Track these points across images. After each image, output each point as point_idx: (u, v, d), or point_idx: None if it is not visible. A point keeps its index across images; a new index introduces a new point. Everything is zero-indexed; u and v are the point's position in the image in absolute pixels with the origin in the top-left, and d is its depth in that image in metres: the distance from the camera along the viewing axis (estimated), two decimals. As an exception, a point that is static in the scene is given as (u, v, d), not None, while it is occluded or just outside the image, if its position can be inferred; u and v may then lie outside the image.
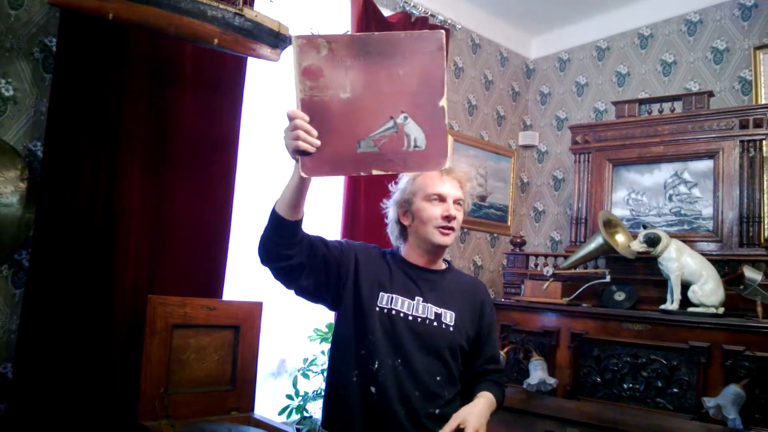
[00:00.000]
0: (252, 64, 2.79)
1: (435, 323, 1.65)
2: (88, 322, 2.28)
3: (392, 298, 1.64)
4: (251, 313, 2.53)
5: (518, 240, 3.57)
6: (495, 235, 4.25)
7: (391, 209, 1.77)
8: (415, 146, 1.40)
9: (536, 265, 3.70)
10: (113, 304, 2.34)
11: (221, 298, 2.63)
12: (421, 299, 1.67)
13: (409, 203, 1.70)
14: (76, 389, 2.24)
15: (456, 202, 1.69)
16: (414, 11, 3.62)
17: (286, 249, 1.50)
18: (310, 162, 1.37)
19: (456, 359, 1.67)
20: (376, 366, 1.58)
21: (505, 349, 2.89)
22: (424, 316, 1.65)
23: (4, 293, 2.27)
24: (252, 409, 2.51)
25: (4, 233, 2.23)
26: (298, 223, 1.49)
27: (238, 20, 2.25)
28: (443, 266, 1.80)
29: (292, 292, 1.64)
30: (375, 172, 1.44)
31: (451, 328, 1.66)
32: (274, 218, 1.47)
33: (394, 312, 1.62)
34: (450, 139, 3.91)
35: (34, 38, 2.36)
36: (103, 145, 2.36)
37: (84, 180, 2.32)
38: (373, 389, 1.57)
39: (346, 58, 1.37)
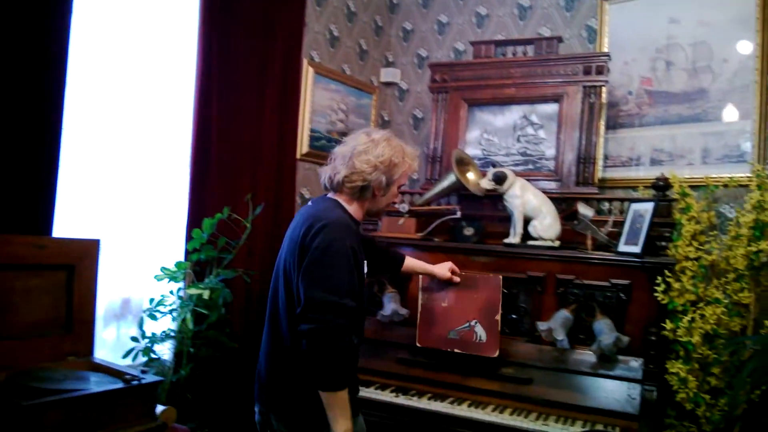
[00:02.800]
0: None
1: None
2: None
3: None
4: (87, 251, 2.30)
5: (377, 176, 3.58)
6: (355, 171, 4.24)
7: (377, 176, 1.94)
8: (479, 340, 2.62)
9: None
10: None
11: (51, 235, 2.37)
12: None
13: (393, 183, 2.01)
14: None
15: None
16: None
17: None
18: (422, 331, 2.74)
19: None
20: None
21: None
22: None
23: None
24: (91, 353, 2.32)
25: None
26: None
27: None
28: None
29: None
30: (456, 351, 2.67)
31: None
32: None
33: None
34: (310, 73, 3.79)
35: None
36: None
37: None
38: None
39: (450, 287, 2.69)
